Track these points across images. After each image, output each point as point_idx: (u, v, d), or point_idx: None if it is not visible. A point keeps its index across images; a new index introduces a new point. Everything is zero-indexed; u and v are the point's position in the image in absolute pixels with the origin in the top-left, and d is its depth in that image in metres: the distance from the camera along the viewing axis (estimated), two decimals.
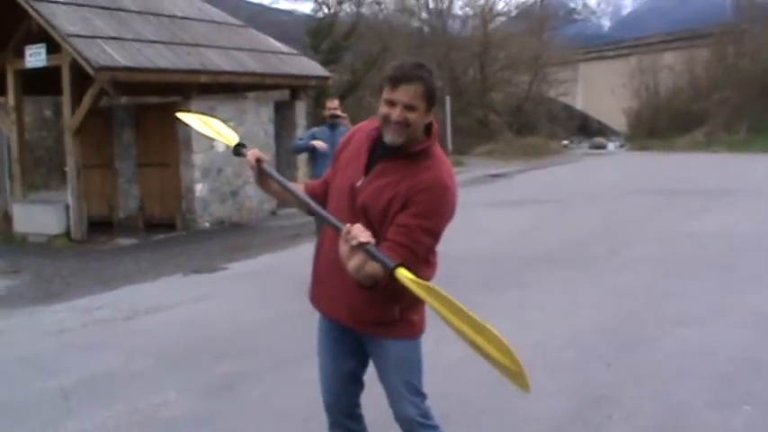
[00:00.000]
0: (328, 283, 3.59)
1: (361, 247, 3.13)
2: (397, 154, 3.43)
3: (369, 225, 3.31)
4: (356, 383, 3.82)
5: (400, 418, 3.69)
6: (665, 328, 7.30)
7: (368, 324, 3.56)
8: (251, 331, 7.93)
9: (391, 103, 3.35)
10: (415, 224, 3.34)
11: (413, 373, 3.69)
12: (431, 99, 3.39)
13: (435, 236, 3.43)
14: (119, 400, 5.96)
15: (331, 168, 3.74)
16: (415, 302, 3.45)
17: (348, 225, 3.17)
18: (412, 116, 3.34)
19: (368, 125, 3.67)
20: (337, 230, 3.24)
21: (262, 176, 3.70)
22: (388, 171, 3.44)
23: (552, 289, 9.09)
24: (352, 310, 3.54)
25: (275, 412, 5.63)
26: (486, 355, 3.08)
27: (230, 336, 7.80)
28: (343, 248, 3.17)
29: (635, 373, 6.13)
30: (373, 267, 3.18)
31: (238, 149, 3.91)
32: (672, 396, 5.63)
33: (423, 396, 3.72)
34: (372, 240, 3.14)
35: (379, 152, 3.49)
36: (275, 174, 3.68)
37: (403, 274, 3.12)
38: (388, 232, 3.36)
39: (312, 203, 3.51)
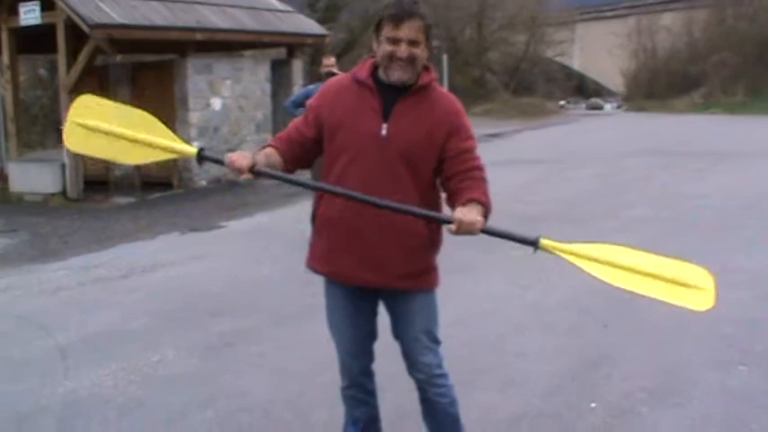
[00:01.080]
0: (351, 250, 3.51)
1: (483, 230, 3.24)
2: (407, 91, 3.45)
3: (409, 167, 3.41)
4: (374, 341, 3.83)
5: (419, 367, 3.67)
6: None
7: (402, 278, 3.53)
8: (249, 289, 7.94)
9: (395, 41, 3.36)
10: (471, 146, 3.52)
11: (434, 322, 3.72)
12: (429, 33, 3.44)
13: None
14: (116, 358, 5.96)
15: (315, 124, 3.60)
16: (440, 249, 3.62)
17: (458, 218, 3.20)
18: (416, 51, 3.38)
19: (343, 78, 3.65)
20: (440, 222, 3.38)
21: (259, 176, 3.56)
22: (407, 110, 3.45)
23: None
24: (388, 268, 3.50)
25: (273, 369, 5.63)
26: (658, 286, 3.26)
27: (228, 294, 7.80)
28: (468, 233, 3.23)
29: (633, 333, 6.15)
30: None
31: (202, 156, 3.67)
32: (669, 356, 5.65)
33: (440, 344, 3.74)
34: (482, 220, 3.25)
35: (386, 96, 3.46)
36: (282, 175, 3.57)
37: (547, 243, 3.30)
38: (450, 165, 3.45)
39: (344, 191, 3.40)
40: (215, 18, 16.19)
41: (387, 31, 3.36)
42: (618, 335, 6.15)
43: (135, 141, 3.66)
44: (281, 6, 18.94)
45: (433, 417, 3.79)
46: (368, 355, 3.83)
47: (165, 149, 3.66)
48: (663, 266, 3.21)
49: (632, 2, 50.29)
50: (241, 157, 3.45)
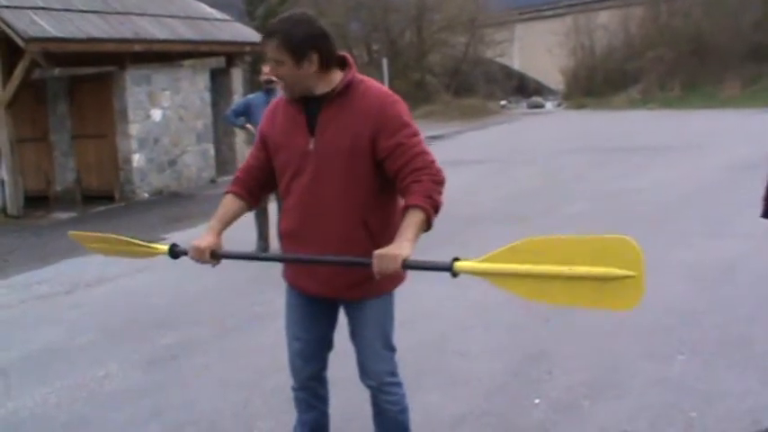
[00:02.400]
0: (314, 252, 3.53)
1: (404, 264, 3.24)
2: (327, 100, 3.45)
3: (346, 176, 3.41)
4: (328, 347, 3.86)
5: (370, 374, 3.71)
6: None
7: (349, 288, 3.57)
8: (193, 301, 7.93)
9: (270, 61, 3.45)
10: (402, 138, 3.39)
11: (387, 328, 3.75)
12: (295, 50, 3.36)
13: (418, 133, 3.49)
14: (60, 375, 5.93)
15: (264, 146, 3.67)
16: None
17: (375, 262, 3.23)
18: (281, 70, 3.39)
19: (281, 97, 3.67)
20: (361, 266, 3.33)
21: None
22: (330, 119, 3.44)
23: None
24: (333, 279, 3.55)
25: (219, 380, 5.64)
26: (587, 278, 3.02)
27: (173, 306, 7.79)
28: (389, 271, 3.26)
29: (573, 328, 6.22)
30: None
31: (175, 252, 3.82)
32: (609, 349, 5.74)
33: (394, 350, 3.78)
34: (403, 254, 3.26)
35: (311, 109, 3.48)
36: (241, 252, 3.74)
37: (461, 266, 3.23)
38: (389, 164, 3.40)
39: (313, 258, 3.51)
40: (152, 29, 16.11)
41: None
42: (559, 330, 6.22)
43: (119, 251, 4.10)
44: (218, 15, 18.89)
45: (382, 423, 3.83)
46: (319, 361, 3.84)
47: (144, 253, 4.05)
48: (582, 248, 3.06)
49: (570, 1, 50.81)
50: (199, 247, 3.61)
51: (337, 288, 3.57)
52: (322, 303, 3.69)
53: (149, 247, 3.94)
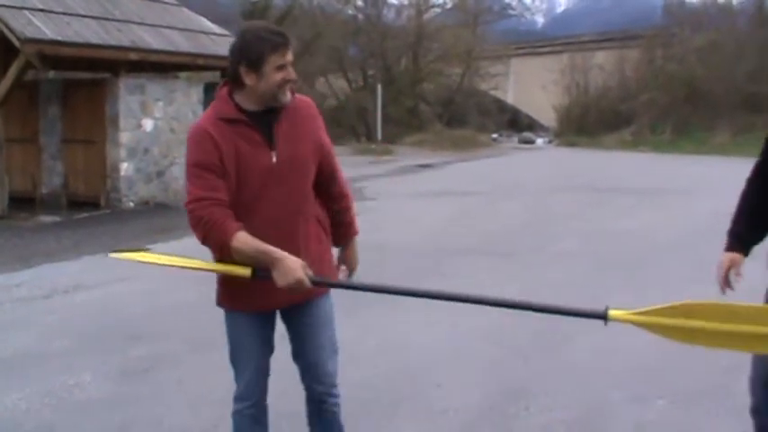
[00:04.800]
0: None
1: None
2: (276, 114, 3.53)
3: (309, 182, 3.60)
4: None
5: (324, 377, 3.76)
6: (586, 323, 7.36)
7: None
8: (170, 313, 7.85)
9: (285, 66, 3.45)
10: (336, 161, 3.84)
11: (334, 327, 3.83)
12: None
13: None
14: (32, 381, 5.85)
15: (222, 174, 3.46)
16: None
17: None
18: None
19: (207, 125, 3.52)
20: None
21: None
22: (286, 131, 3.54)
23: (476, 281, 9.11)
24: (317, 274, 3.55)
25: (191, 397, 5.56)
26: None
27: (149, 318, 7.70)
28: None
29: (553, 367, 6.19)
30: None
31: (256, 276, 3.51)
32: (589, 390, 5.70)
33: (338, 352, 3.85)
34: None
35: (260, 124, 3.51)
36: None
37: (617, 316, 3.19)
38: (329, 183, 3.75)
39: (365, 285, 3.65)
40: (150, 38, 16.07)
41: (278, 59, 3.41)
42: (537, 368, 6.18)
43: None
44: (217, 29, 18.87)
45: (327, 427, 3.85)
46: (268, 373, 3.86)
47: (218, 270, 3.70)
48: (742, 312, 3.04)
49: (567, 39, 51.16)
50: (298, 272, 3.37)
51: (307, 291, 3.53)
52: (264, 316, 3.72)
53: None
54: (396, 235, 11.64)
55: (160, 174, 16.71)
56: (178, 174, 16.88)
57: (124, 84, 15.84)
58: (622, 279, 9.13)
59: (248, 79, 3.44)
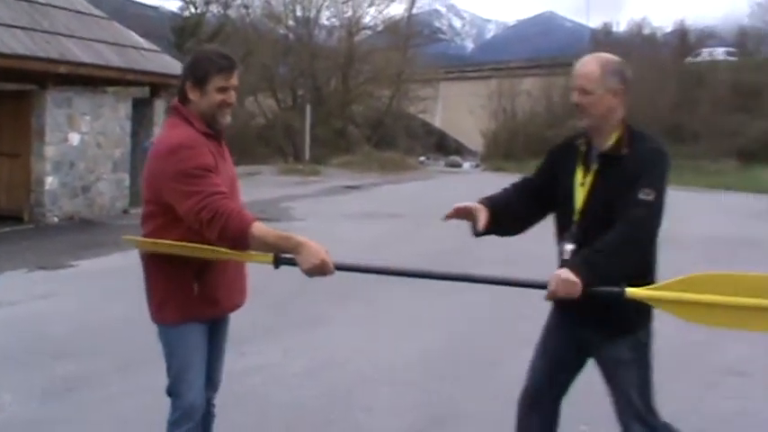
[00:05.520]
0: (235, 281, 3.86)
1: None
2: (216, 135, 3.75)
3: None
4: None
5: (216, 385, 4.05)
6: (512, 347, 7.46)
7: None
8: (96, 331, 7.75)
9: (227, 89, 3.64)
10: None
11: None
12: None
13: None
14: None
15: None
16: None
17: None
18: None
19: (192, 132, 3.65)
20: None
21: None
22: (225, 149, 3.84)
23: (402, 304, 9.14)
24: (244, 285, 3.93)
25: (118, 418, 5.50)
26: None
27: (74, 335, 7.59)
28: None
29: (480, 391, 6.24)
30: None
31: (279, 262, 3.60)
32: (512, 417, 5.77)
33: None
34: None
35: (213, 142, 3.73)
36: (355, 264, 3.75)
37: (634, 292, 3.41)
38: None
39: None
40: (79, 51, 15.89)
41: (221, 81, 3.61)
42: (466, 392, 6.24)
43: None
44: (147, 45, 18.75)
45: (208, 428, 4.06)
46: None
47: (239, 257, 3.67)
48: (748, 283, 3.30)
49: (495, 65, 51.79)
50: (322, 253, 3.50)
51: (244, 296, 3.94)
52: (208, 327, 3.84)
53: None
54: None
55: (86, 189, 16.48)
56: (104, 189, 16.70)
57: (51, 96, 15.63)
58: (544, 302, 9.23)
59: (192, 95, 3.63)
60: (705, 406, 6.06)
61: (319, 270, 3.42)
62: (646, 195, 3.55)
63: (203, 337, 3.79)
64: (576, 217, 3.79)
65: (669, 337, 7.95)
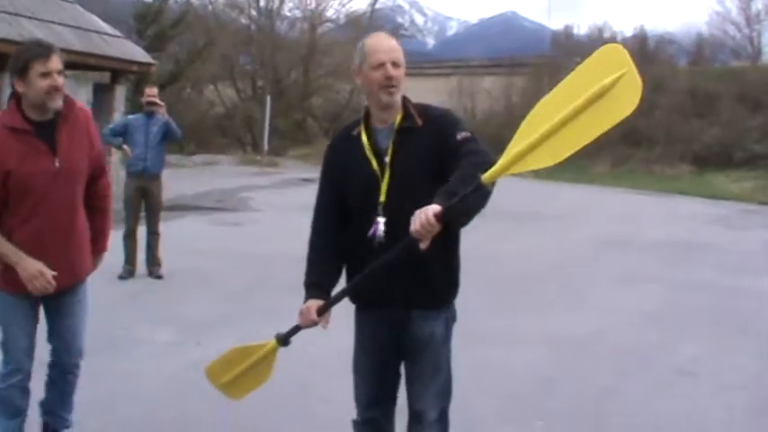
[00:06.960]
0: (60, 255, 4.01)
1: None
2: (60, 119, 3.97)
3: (79, 186, 4.08)
4: None
5: (77, 352, 4.40)
6: (466, 344, 7.52)
7: (86, 272, 4.26)
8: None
9: (49, 74, 3.86)
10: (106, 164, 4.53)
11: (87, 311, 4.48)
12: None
13: None
14: None
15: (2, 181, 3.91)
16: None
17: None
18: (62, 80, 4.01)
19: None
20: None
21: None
22: (66, 137, 3.98)
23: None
24: (82, 265, 4.21)
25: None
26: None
27: None
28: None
29: None
30: None
31: (286, 341, 4.10)
32: (469, 411, 5.83)
33: None
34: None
35: (43, 133, 3.91)
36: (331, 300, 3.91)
37: (489, 176, 3.33)
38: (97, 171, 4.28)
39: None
40: (40, 34, 15.68)
41: (38, 68, 3.81)
42: None
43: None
44: (109, 30, 18.59)
45: (62, 392, 4.46)
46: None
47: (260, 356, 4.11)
48: (574, 83, 3.38)
49: (456, 62, 51.83)
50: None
51: (78, 273, 4.21)
52: (35, 298, 4.08)
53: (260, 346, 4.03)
54: (281, 247, 11.62)
55: None
56: None
57: (8, 78, 15.44)
58: (498, 303, 9.31)
59: (19, 87, 3.86)
60: (658, 406, 6.17)
61: (39, 280, 3.86)
62: (462, 134, 3.59)
63: (29, 307, 4.11)
64: (382, 198, 3.66)
65: (624, 339, 8.12)
